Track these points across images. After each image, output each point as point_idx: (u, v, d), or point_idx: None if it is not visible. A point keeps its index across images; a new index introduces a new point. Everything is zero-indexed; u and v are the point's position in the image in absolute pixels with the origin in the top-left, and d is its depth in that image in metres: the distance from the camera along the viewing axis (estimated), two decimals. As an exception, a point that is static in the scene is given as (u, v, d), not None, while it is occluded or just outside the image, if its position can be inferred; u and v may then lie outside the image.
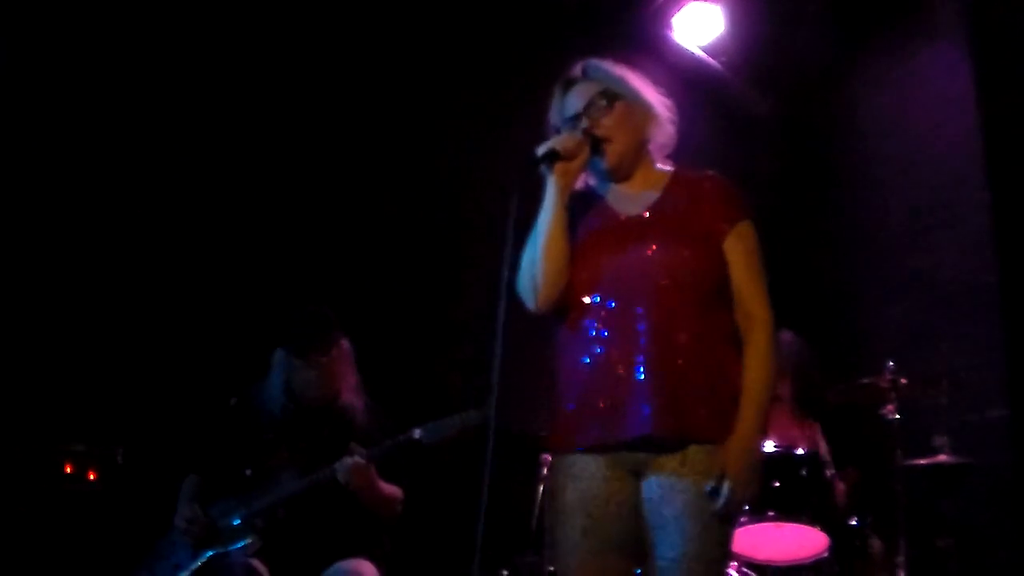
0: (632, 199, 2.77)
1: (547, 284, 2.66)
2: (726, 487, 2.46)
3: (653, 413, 2.48)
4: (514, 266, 2.56)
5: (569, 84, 2.83)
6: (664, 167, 2.84)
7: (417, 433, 3.63)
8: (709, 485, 2.46)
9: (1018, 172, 5.38)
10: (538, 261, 2.66)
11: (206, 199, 4.92)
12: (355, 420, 3.88)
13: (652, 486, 2.53)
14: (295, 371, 3.87)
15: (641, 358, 2.52)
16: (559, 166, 2.65)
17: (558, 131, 2.79)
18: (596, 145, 2.71)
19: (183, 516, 3.78)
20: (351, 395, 3.92)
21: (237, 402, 4.03)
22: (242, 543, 3.67)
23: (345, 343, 3.96)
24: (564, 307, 2.70)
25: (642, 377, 2.51)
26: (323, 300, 4.05)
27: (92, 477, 4.22)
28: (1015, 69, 5.52)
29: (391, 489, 3.83)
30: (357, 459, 3.63)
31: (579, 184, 2.79)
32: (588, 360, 2.60)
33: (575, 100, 2.78)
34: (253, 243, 4.98)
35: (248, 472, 3.87)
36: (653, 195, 2.75)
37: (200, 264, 4.86)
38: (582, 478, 2.59)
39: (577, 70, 2.85)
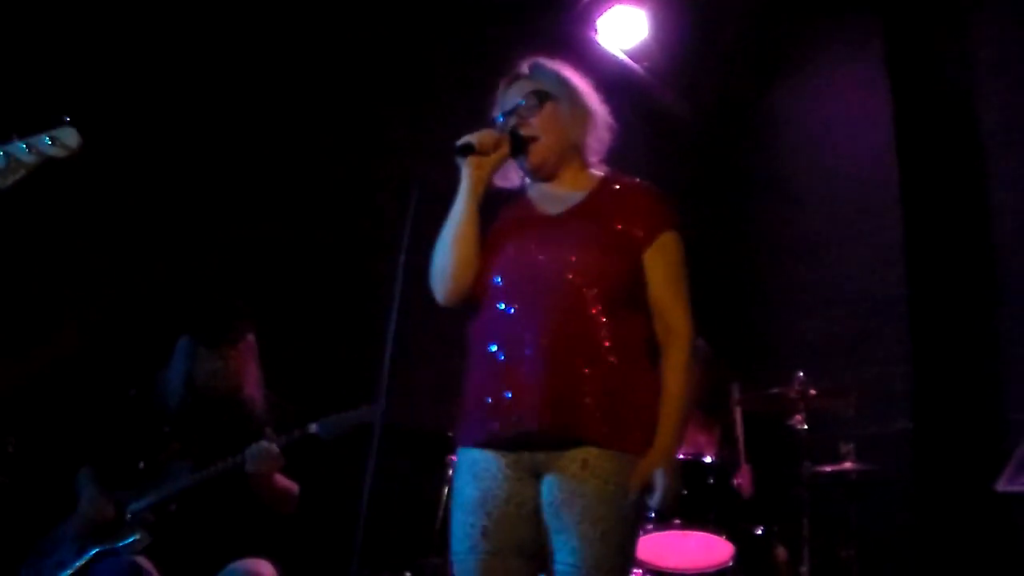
0: (555, 199, 2.77)
1: (454, 276, 2.67)
2: (658, 497, 2.48)
3: (541, 408, 2.47)
4: (409, 263, 2.55)
5: (514, 80, 2.84)
6: (596, 172, 2.84)
7: (313, 427, 3.59)
8: (628, 504, 2.47)
9: (929, 188, 5.46)
10: (446, 254, 2.67)
11: (108, 177, 4.74)
12: (254, 413, 3.78)
13: (552, 488, 2.51)
14: (201, 360, 3.76)
15: (537, 355, 2.51)
16: (473, 159, 2.67)
17: (493, 125, 2.80)
18: (521, 143, 2.72)
19: (90, 499, 3.63)
20: (252, 388, 3.82)
21: (137, 393, 3.89)
22: (130, 539, 3.53)
23: (251, 335, 3.87)
24: (474, 301, 2.69)
25: (535, 373, 2.50)
26: (229, 288, 3.94)
27: (-20, 467, 4.05)
28: (929, 89, 5.61)
29: (288, 483, 3.75)
30: (271, 445, 3.55)
31: (513, 183, 2.83)
32: (489, 355, 2.60)
33: (513, 97, 2.80)
34: (156, 231, 4.82)
35: (141, 465, 3.73)
36: (577, 197, 2.75)
37: (101, 249, 4.69)
38: (483, 477, 2.57)
39: (524, 67, 2.85)
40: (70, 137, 2.46)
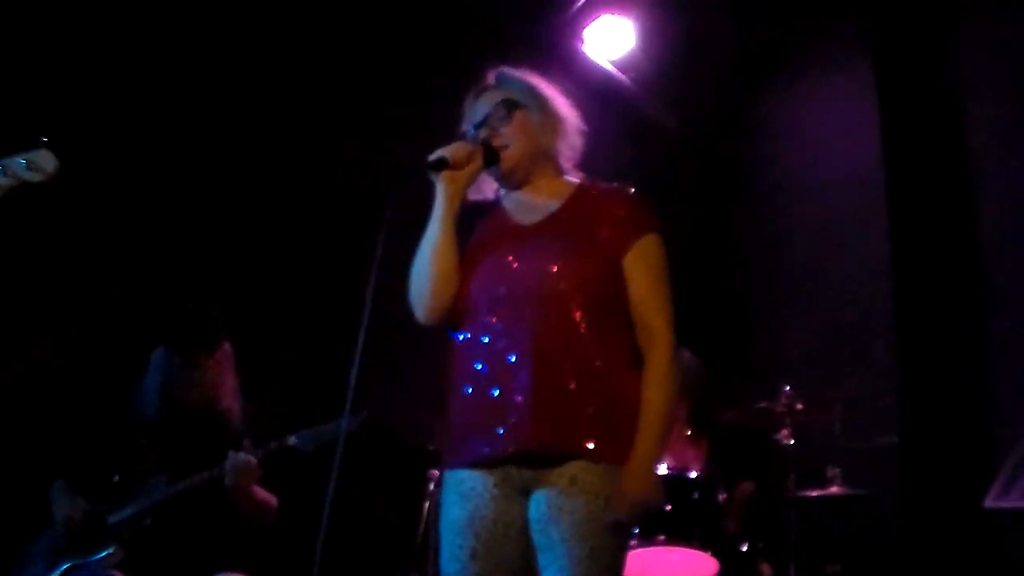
0: (531, 208, 2.73)
1: (434, 294, 2.61)
2: (625, 508, 2.40)
3: (530, 426, 2.43)
4: (384, 272, 2.50)
5: (482, 92, 2.81)
6: (572, 179, 2.80)
7: (292, 440, 3.53)
8: (610, 516, 2.40)
9: (917, 200, 5.43)
10: (425, 271, 2.62)
11: (83, 188, 4.66)
12: (231, 425, 3.73)
13: (540, 504, 2.46)
14: (176, 371, 3.70)
15: (522, 370, 2.47)
16: (447, 173, 2.62)
17: (464, 137, 2.76)
18: (494, 154, 2.69)
19: (64, 511, 3.56)
20: (229, 399, 3.76)
21: (111, 405, 3.82)
22: (103, 553, 3.46)
23: (228, 345, 3.82)
24: (455, 317, 2.64)
25: (523, 389, 2.45)
26: (204, 298, 3.88)
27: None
28: (918, 99, 5.58)
29: (266, 495, 3.70)
30: (249, 457, 3.50)
31: (487, 195, 2.80)
32: (473, 372, 2.54)
33: (482, 108, 2.76)
34: (131, 242, 4.76)
35: (116, 478, 3.67)
36: (554, 205, 2.71)
37: (76, 260, 4.62)
38: (470, 497, 2.51)
39: (490, 78, 2.83)
40: (47, 161, 2.38)
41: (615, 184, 2.78)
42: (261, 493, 3.66)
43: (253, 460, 3.52)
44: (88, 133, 4.62)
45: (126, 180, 4.78)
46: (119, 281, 4.66)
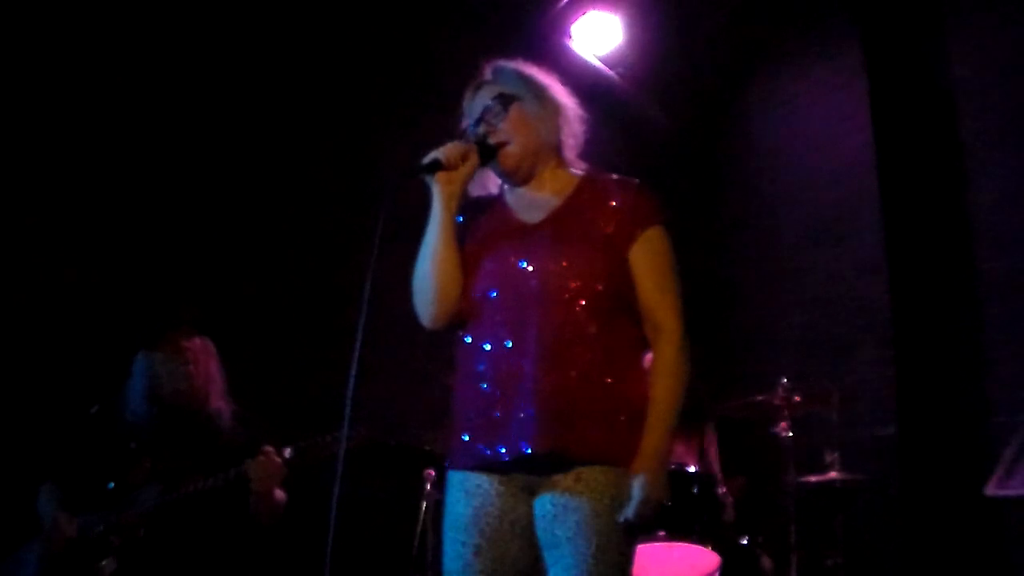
0: (535, 204, 2.67)
1: (439, 299, 2.55)
2: (633, 507, 2.35)
3: (535, 432, 2.38)
4: (377, 278, 2.44)
5: (479, 87, 2.75)
6: (575, 171, 2.74)
7: (288, 452, 3.49)
8: (622, 516, 2.36)
9: (911, 188, 5.41)
10: (427, 277, 2.56)
11: (73, 191, 4.62)
12: (223, 429, 3.67)
13: (545, 503, 2.42)
14: (159, 366, 3.62)
15: (529, 373, 2.42)
16: (442, 175, 2.55)
17: (463, 136, 2.70)
18: (489, 151, 2.62)
19: (52, 521, 3.51)
20: (219, 401, 3.70)
21: (99, 410, 3.77)
22: (96, 564, 3.41)
23: (208, 341, 3.76)
24: (461, 320, 2.58)
25: (528, 394, 2.41)
26: (198, 306, 3.85)
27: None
28: (908, 91, 5.57)
29: (282, 495, 3.65)
30: (275, 459, 3.47)
31: (490, 191, 2.75)
32: (478, 375, 2.50)
33: (479, 104, 2.70)
34: (126, 246, 4.71)
35: (110, 486, 3.61)
36: (556, 200, 2.65)
37: (67, 263, 4.57)
38: (476, 494, 2.48)
39: (487, 72, 2.76)
40: None
41: (619, 176, 2.71)
42: (279, 493, 3.62)
43: (279, 461, 3.48)
44: (72, 134, 4.58)
45: (113, 191, 4.73)
46: (102, 291, 4.61)
